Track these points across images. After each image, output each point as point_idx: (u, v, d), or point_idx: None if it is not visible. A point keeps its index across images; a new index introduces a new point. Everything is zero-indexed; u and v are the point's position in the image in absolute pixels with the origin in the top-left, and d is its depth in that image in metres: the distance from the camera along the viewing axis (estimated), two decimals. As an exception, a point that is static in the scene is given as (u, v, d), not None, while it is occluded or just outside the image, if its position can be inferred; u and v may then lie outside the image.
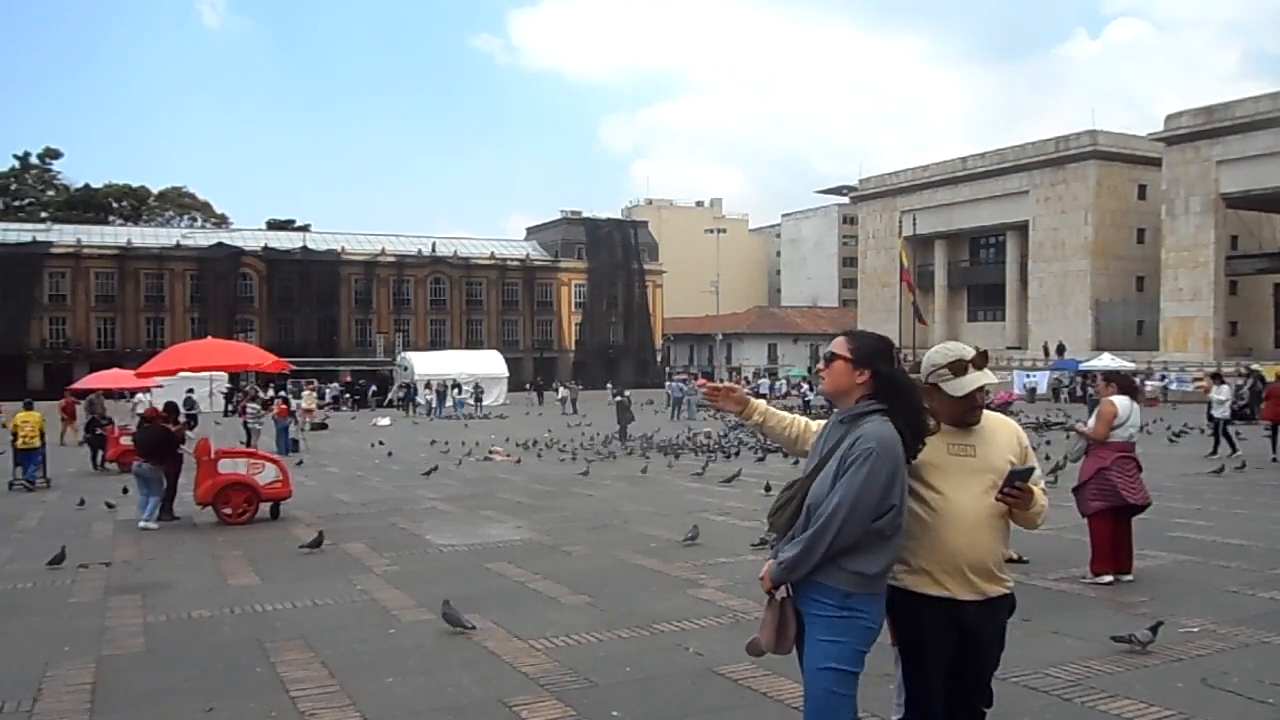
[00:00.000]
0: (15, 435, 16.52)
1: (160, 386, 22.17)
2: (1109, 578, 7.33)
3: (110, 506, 13.20)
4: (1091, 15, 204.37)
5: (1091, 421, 7.81)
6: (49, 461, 17.42)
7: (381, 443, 24.30)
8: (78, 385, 26.01)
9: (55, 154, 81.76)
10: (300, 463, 19.11)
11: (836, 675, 2.95)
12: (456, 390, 43.29)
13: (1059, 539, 8.02)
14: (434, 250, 73.34)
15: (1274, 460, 16.43)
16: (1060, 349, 50.43)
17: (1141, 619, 6.35)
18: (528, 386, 57.50)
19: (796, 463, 15.34)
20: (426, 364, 49.68)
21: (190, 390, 31.78)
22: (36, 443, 16.55)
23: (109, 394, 26.13)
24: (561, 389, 46.33)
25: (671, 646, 5.94)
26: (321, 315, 68.92)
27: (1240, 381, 28.51)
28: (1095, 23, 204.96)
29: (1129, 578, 7.40)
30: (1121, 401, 7.63)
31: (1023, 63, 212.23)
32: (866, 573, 2.93)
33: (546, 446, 22.11)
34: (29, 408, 17.17)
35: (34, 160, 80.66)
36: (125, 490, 14.24)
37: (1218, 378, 19.67)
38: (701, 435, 24.30)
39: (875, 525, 2.90)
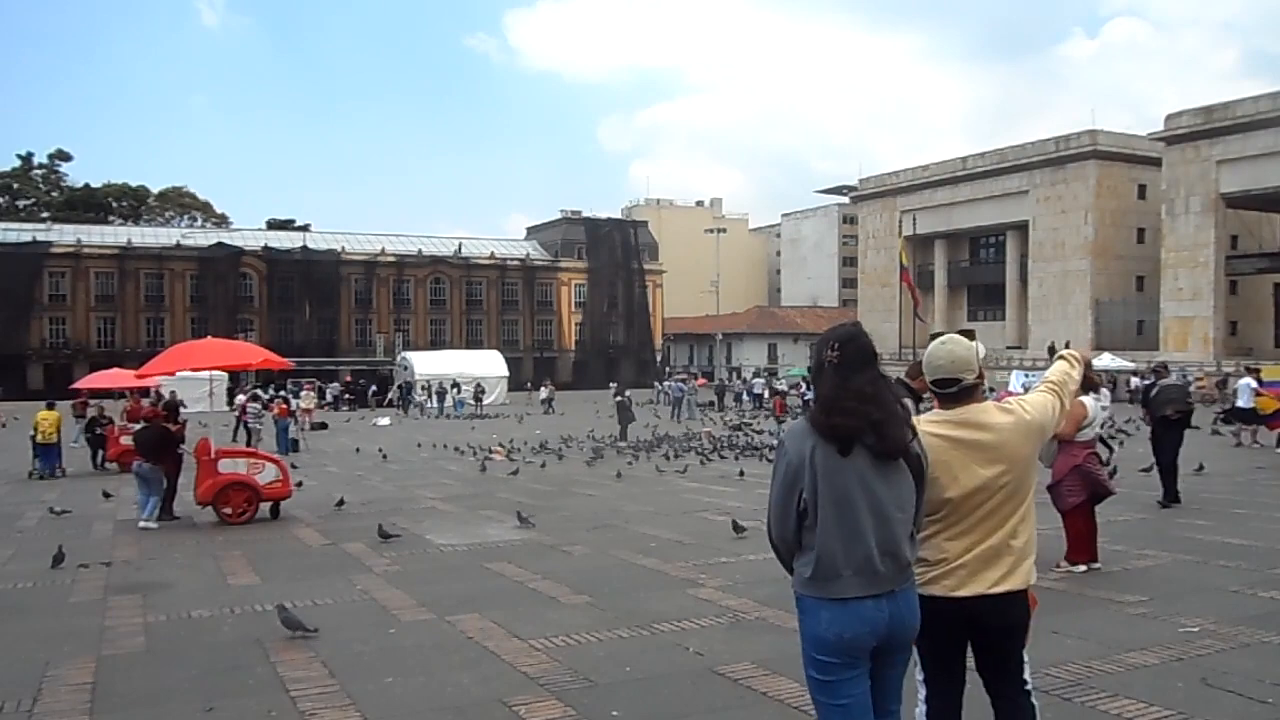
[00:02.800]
0: (36, 431, 18.32)
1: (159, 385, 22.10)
2: (1083, 567, 7.75)
3: (55, 513, 12.73)
4: (1089, 15, 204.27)
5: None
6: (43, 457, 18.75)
7: (358, 450, 22.98)
8: (78, 384, 26.01)
9: (65, 156, 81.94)
10: (294, 465, 19.04)
11: (808, 680, 2.96)
12: (456, 390, 43.31)
13: (1058, 538, 8.01)
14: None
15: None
16: (1051, 350, 50.44)
17: (1141, 619, 6.36)
18: (528, 386, 57.54)
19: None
20: (426, 364, 49.69)
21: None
22: (55, 438, 18.42)
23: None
24: (543, 389, 45.95)
25: (671, 646, 5.94)
26: (321, 315, 68.89)
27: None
28: (1092, 22, 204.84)
29: (1098, 565, 7.84)
30: (1089, 402, 8.01)
31: (1021, 62, 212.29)
32: (804, 574, 2.89)
33: (579, 443, 21.92)
34: (50, 407, 18.96)
35: (42, 161, 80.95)
36: (106, 495, 14.16)
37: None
38: (704, 435, 24.28)
39: (805, 522, 2.87)
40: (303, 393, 35.67)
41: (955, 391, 3.20)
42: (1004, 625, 3.14)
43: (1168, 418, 11.44)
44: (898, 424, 2.88)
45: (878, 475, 2.85)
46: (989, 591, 3.08)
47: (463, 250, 74.11)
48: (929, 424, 3.18)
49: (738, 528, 9.77)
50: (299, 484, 14.46)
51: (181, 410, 17.19)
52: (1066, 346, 17.82)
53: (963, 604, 3.09)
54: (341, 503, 12.98)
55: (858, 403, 2.85)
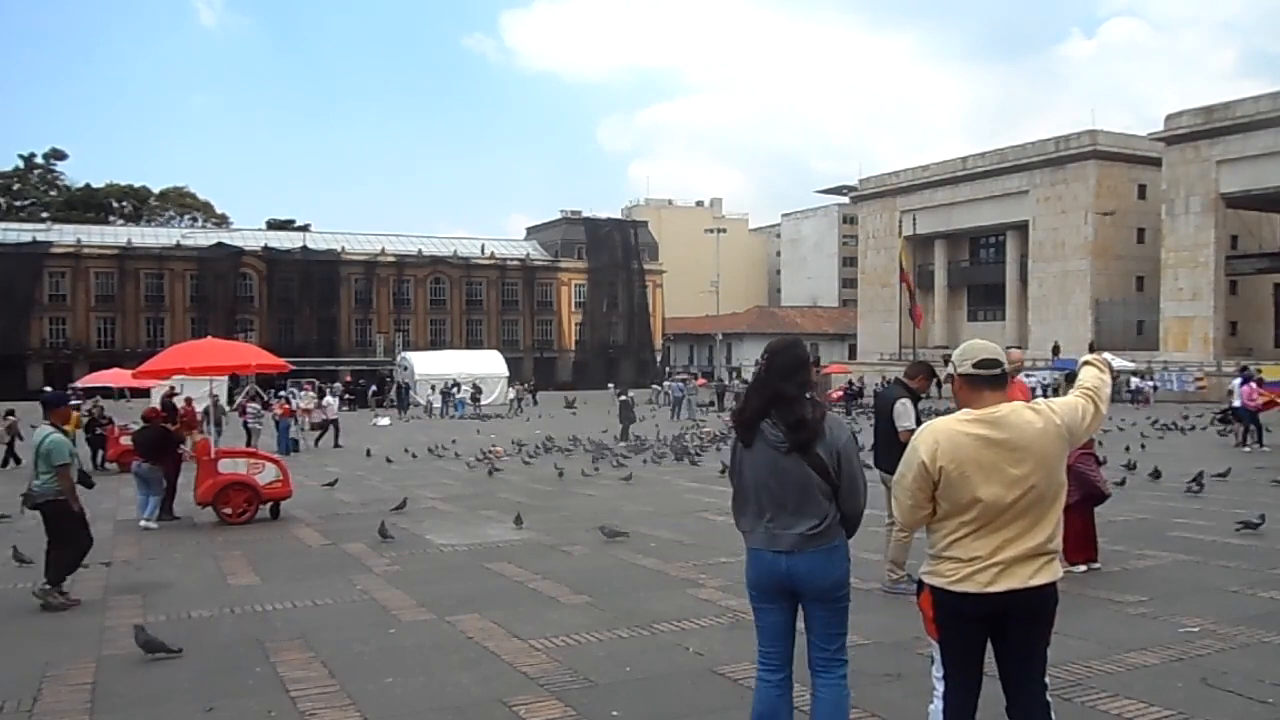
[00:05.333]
0: None
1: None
2: (1083, 567, 7.71)
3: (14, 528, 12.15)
4: (1088, 15, 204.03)
5: None
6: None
7: (368, 452, 23.45)
8: (79, 384, 26.05)
9: (61, 155, 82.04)
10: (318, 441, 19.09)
11: None
12: (457, 390, 43.34)
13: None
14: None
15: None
16: (1055, 349, 50.42)
17: (1141, 619, 6.36)
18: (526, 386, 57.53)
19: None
20: (426, 364, 49.63)
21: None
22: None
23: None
24: (511, 389, 45.36)
25: (671, 646, 5.95)
26: (321, 315, 68.91)
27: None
28: (1091, 23, 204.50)
29: (1098, 565, 7.82)
30: None
31: (1020, 62, 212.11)
32: None
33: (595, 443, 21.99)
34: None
35: (39, 160, 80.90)
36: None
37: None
38: (705, 435, 24.26)
39: None
40: (301, 394, 35.61)
41: (999, 374, 3.26)
42: (1037, 614, 3.22)
43: None
44: (803, 426, 3.42)
45: (776, 465, 3.47)
46: (1024, 586, 3.13)
47: (465, 250, 74.12)
48: (961, 423, 3.16)
49: (608, 533, 9.70)
50: (333, 482, 15.50)
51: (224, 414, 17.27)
52: (1055, 350, 17.59)
53: (996, 598, 3.12)
54: (404, 504, 12.46)
55: (760, 403, 3.51)
